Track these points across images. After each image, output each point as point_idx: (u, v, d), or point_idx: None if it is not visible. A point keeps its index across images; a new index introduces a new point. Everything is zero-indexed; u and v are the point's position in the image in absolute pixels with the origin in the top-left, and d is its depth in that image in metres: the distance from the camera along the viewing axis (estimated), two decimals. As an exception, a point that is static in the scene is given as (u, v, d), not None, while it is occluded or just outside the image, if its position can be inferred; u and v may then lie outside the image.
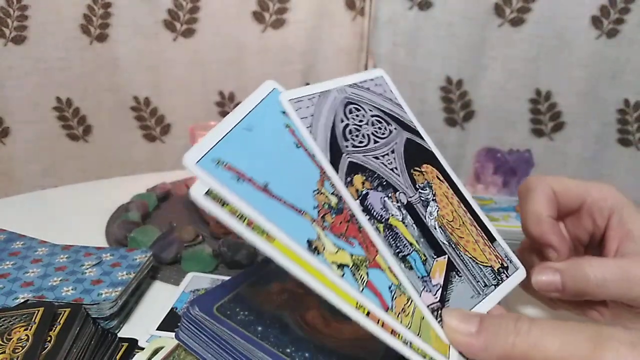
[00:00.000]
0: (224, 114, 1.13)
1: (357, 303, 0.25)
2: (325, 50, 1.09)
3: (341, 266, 0.26)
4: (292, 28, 1.06)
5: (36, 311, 0.39)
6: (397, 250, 0.29)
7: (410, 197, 0.32)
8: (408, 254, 0.29)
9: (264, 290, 0.40)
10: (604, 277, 0.32)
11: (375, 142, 0.32)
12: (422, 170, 0.34)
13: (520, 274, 0.35)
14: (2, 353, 0.35)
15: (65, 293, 0.44)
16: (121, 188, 0.76)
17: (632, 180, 1.04)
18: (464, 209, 0.35)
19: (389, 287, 0.27)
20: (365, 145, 0.32)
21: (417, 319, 0.27)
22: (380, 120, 0.34)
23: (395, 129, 0.34)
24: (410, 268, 0.29)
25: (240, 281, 0.40)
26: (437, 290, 0.29)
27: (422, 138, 0.36)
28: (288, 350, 0.34)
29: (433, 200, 0.33)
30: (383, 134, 0.33)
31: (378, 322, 0.25)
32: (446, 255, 0.31)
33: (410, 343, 0.25)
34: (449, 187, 0.35)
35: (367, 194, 0.29)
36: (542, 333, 0.24)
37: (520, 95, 1.04)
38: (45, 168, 1.11)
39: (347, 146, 0.31)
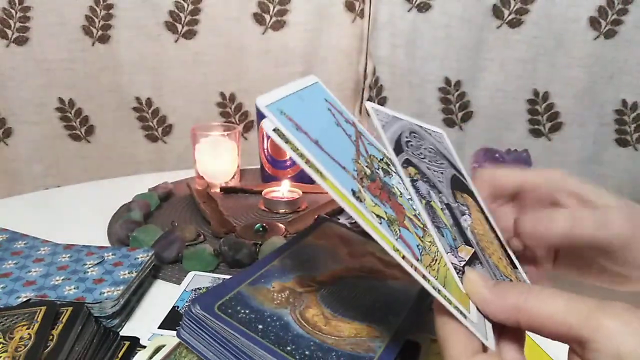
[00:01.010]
0: (225, 114, 1.14)
1: (394, 246, 0.28)
2: (324, 52, 1.10)
3: (378, 217, 0.29)
4: (292, 30, 1.07)
5: (38, 310, 0.39)
6: (434, 221, 0.32)
7: (452, 203, 0.36)
8: (442, 228, 0.32)
9: (265, 289, 0.40)
10: (581, 217, 0.34)
11: (429, 161, 0.37)
12: (463, 195, 0.38)
13: None
14: (4, 352, 0.35)
15: (67, 292, 0.45)
16: (123, 188, 0.77)
17: (629, 179, 1.04)
18: (494, 235, 0.38)
19: (417, 246, 0.29)
20: (422, 158, 0.37)
21: (442, 275, 0.29)
22: (436, 154, 0.39)
23: (446, 164, 0.39)
24: (443, 236, 0.32)
25: (241, 280, 0.41)
26: (461, 261, 0.31)
27: (466, 181, 0.40)
28: (288, 349, 0.34)
29: (469, 215, 0.36)
30: (436, 161, 0.38)
31: (412, 266, 0.28)
32: (473, 249, 0.34)
33: (438, 290, 0.28)
34: (483, 217, 0.38)
35: (416, 180, 0.34)
36: (551, 294, 0.26)
37: (518, 96, 1.05)
38: (47, 168, 1.11)
39: (407, 150, 0.36)
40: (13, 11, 0.98)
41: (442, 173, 0.37)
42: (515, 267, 0.37)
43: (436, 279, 0.28)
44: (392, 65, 1.10)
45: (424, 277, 0.28)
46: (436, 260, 0.30)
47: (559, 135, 1.06)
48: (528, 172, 0.39)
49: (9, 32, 0.99)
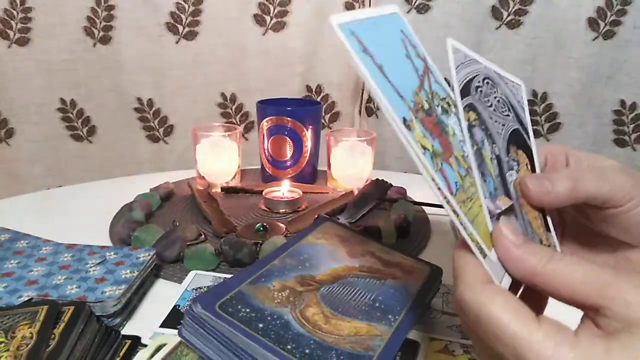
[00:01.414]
0: (225, 115, 1.14)
1: (432, 176, 0.29)
2: (325, 52, 1.10)
3: (424, 147, 0.30)
4: (293, 30, 1.07)
5: (40, 309, 0.39)
6: (479, 166, 0.33)
7: (503, 156, 0.36)
8: (486, 175, 0.34)
9: (265, 288, 0.40)
10: (583, 172, 0.36)
11: (494, 110, 0.38)
12: (518, 152, 0.38)
13: None
14: (6, 351, 0.35)
15: (69, 291, 0.45)
16: (125, 188, 0.77)
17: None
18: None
19: (455, 182, 0.31)
20: (488, 106, 0.37)
21: (472, 214, 0.30)
22: (505, 104, 0.39)
23: (512, 117, 0.39)
24: (485, 181, 0.33)
25: (242, 279, 0.41)
26: (498, 210, 0.33)
27: (529, 139, 0.40)
28: (289, 347, 0.34)
29: (516, 171, 0.37)
30: (503, 112, 0.38)
31: (444, 199, 0.29)
32: (512, 201, 0.35)
33: (465, 226, 0.29)
34: None
35: (473, 126, 0.34)
36: (571, 262, 0.27)
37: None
38: (49, 168, 1.11)
39: (474, 95, 0.36)
40: (14, 12, 0.98)
41: (503, 125, 0.38)
42: (549, 230, 0.38)
43: (465, 216, 0.30)
44: (392, 66, 1.10)
45: (454, 211, 0.29)
46: (471, 199, 0.31)
47: (558, 136, 1.06)
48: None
49: (11, 33, 0.99)
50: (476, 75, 0.37)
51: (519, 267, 0.29)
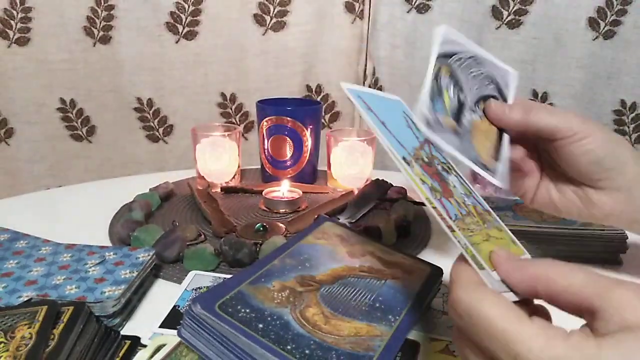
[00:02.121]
0: (225, 115, 1.14)
1: (427, 196, 0.33)
2: (325, 53, 1.10)
3: (423, 181, 0.34)
4: (293, 30, 1.07)
5: (40, 309, 0.39)
6: (431, 95, 0.40)
7: (468, 103, 0.43)
8: (436, 102, 0.40)
9: (265, 288, 0.40)
10: (537, 106, 0.43)
11: (474, 78, 0.44)
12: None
13: (497, 181, 0.41)
14: (5, 351, 0.35)
15: (68, 291, 0.45)
16: (124, 188, 0.77)
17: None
18: (498, 135, 0.44)
19: (455, 214, 0.33)
20: (468, 73, 0.44)
21: (473, 241, 0.32)
22: (488, 79, 0.45)
23: (493, 88, 0.45)
24: (431, 100, 0.40)
25: (242, 279, 0.41)
26: (433, 120, 0.39)
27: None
28: (288, 347, 0.34)
29: (480, 117, 0.43)
30: (483, 82, 0.45)
31: (439, 216, 0.32)
32: (458, 128, 0.41)
33: (459, 240, 0.32)
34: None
35: (440, 77, 0.41)
36: (571, 268, 0.28)
37: (517, 96, 1.05)
38: (49, 168, 1.11)
39: (453, 61, 0.43)
40: (14, 12, 0.98)
41: (478, 88, 0.44)
42: (497, 159, 0.42)
43: (464, 237, 0.32)
44: (391, 66, 1.10)
45: (450, 228, 0.32)
46: (472, 231, 0.33)
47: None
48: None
49: (11, 33, 0.99)
50: (461, 52, 0.43)
51: (519, 278, 0.29)
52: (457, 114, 0.42)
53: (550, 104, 1.03)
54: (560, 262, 0.28)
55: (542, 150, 0.46)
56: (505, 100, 0.45)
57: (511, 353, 0.25)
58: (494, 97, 0.44)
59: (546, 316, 0.30)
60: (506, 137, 0.44)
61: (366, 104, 0.36)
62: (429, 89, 0.40)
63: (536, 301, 0.30)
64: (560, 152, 0.42)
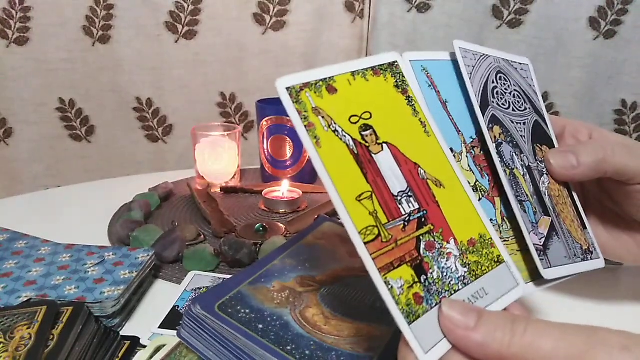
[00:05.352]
0: (225, 114, 1.14)
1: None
2: (325, 52, 1.10)
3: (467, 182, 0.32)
4: (293, 30, 1.07)
5: (39, 310, 0.39)
6: (517, 195, 0.34)
7: (531, 163, 0.37)
8: (524, 201, 0.34)
9: (265, 289, 0.40)
10: (612, 145, 0.36)
11: (513, 110, 0.38)
12: (542, 149, 0.39)
13: (599, 263, 0.37)
14: (5, 351, 0.35)
15: (67, 292, 0.45)
16: (123, 188, 0.77)
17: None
18: (567, 193, 0.39)
19: (491, 219, 0.32)
20: (506, 109, 0.38)
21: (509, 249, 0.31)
22: (520, 96, 0.40)
23: (529, 108, 0.40)
24: (525, 212, 0.34)
25: (242, 280, 0.41)
26: (541, 239, 0.34)
27: (547, 125, 0.41)
28: (288, 348, 0.34)
29: (546, 174, 0.38)
30: (520, 107, 0.39)
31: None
32: (551, 218, 0.35)
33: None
34: None
35: (501, 143, 0.35)
36: (537, 333, 0.24)
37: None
38: (48, 168, 1.11)
39: (493, 102, 0.37)
40: (13, 11, 0.98)
41: (524, 124, 0.39)
42: (585, 227, 0.38)
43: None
44: (392, 66, 1.10)
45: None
46: (506, 240, 0.32)
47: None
48: (568, 120, 0.42)
49: (9, 33, 0.99)
50: (490, 74, 0.38)
51: (486, 353, 0.25)
52: (537, 193, 0.35)
53: (551, 103, 1.03)
54: (522, 326, 0.25)
55: (596, 189, 0.41)
56: (542, 118, 0.40)
57: None
58: (538, 127, 0.39)
59: None
60: (574, 194, 0.39)
61: (431, 79, 0.32)
62: (509, 189, 0.33)
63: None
64: (631, 195, 0.37)
